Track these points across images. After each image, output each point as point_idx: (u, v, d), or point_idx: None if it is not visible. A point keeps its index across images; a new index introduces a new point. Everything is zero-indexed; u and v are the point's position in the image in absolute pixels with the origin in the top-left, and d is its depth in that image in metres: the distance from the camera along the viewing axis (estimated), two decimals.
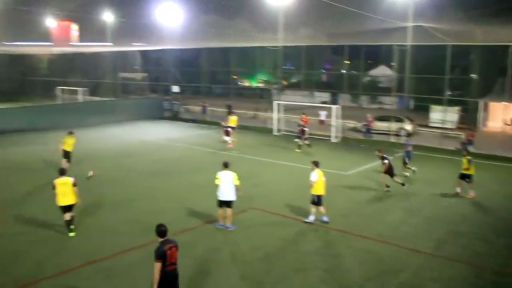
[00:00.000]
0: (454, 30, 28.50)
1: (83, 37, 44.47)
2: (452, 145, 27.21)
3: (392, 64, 34.77)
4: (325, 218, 13.69)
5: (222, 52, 55.90)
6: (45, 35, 43.77)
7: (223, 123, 27.34)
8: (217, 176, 12.82)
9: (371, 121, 31.38)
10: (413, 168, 19.91)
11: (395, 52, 29.73)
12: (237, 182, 12.81)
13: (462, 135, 28.46)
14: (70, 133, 19.75)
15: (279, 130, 31.94)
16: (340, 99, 50.03)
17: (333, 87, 53.87)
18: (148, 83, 55.30)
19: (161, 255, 7.76)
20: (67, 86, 53.28)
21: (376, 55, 55.63)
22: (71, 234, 12.28)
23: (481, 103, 34.73)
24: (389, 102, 47.82)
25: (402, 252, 11.70)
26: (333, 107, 30.62)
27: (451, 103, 34.66)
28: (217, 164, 20.85)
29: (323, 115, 34.12)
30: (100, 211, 14.49)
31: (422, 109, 37.99)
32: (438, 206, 15.72)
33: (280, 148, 26.36)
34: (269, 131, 32.55)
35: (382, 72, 54.65)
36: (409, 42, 28.29)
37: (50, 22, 43.17)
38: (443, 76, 29.63)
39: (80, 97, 48.11)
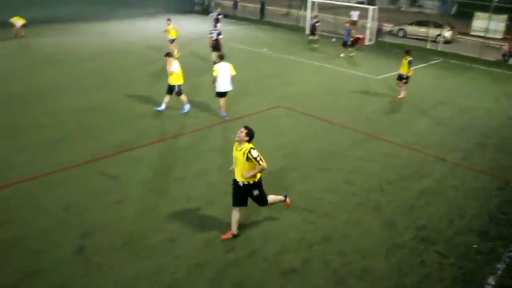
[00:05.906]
0: None
1: None
2: (493, 56, 25.97)
3: None
4: (186, 108, 13.81)
5: None
6: None
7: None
8: (214, 68, 13.03)
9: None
10: (350, 54, 23.73)
11: None
12: (234, 73, 13.00)
13: (505, 46, 26.97)
14: None
15: None
16: (377, 0, 47.31)
17: None
18: None
19: None
20: None
21: None
22: None
23: None
24: (430, 6, 45.13)
25: (427, 159, 11.70)
26: (370, 8, 29.06)
27: (498, 10, 32.41)
28: (241, 60, 20.65)
29: (355, 15, 32.21)
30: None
31: (465, 16, 35.77)
32: (467, 118, 15.39)
33: (311, 48, 25.65)
34: (302, 30, 31.46)
35: None
36: None
37: None
38: None
39: None
